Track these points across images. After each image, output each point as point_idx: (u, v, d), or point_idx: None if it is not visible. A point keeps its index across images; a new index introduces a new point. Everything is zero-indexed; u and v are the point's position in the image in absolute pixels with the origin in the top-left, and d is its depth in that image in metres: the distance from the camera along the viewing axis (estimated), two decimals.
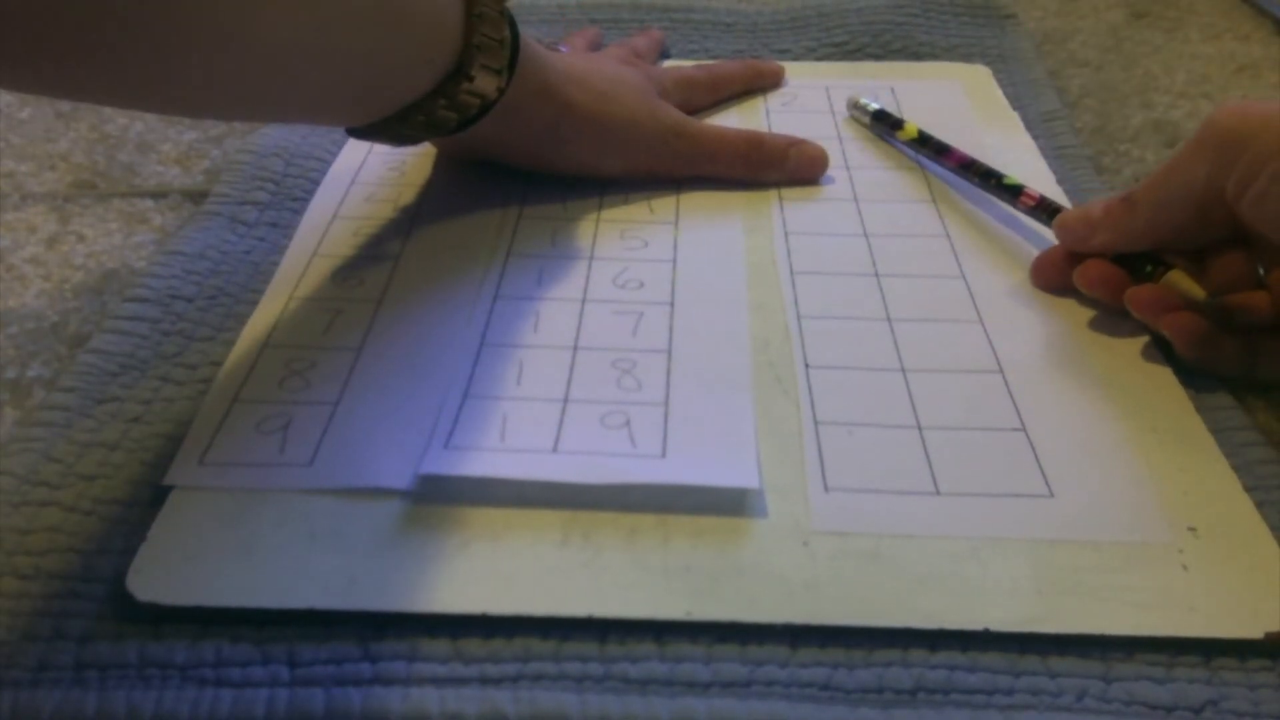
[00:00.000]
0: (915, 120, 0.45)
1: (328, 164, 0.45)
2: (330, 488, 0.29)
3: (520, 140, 0.41)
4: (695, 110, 0.48)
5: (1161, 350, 0.34)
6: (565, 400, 0.32)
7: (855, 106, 0.48)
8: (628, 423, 0.31)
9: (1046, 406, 0.32)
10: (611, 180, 0.44)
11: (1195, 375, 0.33)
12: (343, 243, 0.40)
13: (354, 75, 0.32)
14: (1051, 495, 0.29)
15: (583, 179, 0.44)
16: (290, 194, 0.43)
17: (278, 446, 0.30)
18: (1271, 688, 0.25)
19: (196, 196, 0.44)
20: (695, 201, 0.43)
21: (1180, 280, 0.33)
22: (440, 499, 0.29)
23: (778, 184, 0.43)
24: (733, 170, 0.43)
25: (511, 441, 0.31)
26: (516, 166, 0.43)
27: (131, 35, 0.25)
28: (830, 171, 0.45)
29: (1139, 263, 0.35)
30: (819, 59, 0.54)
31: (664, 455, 0.30)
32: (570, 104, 0.40)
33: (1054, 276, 0.37)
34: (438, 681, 0.25)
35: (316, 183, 0.44)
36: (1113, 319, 0.36)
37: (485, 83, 0.35)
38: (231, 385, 0.33)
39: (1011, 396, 0.33)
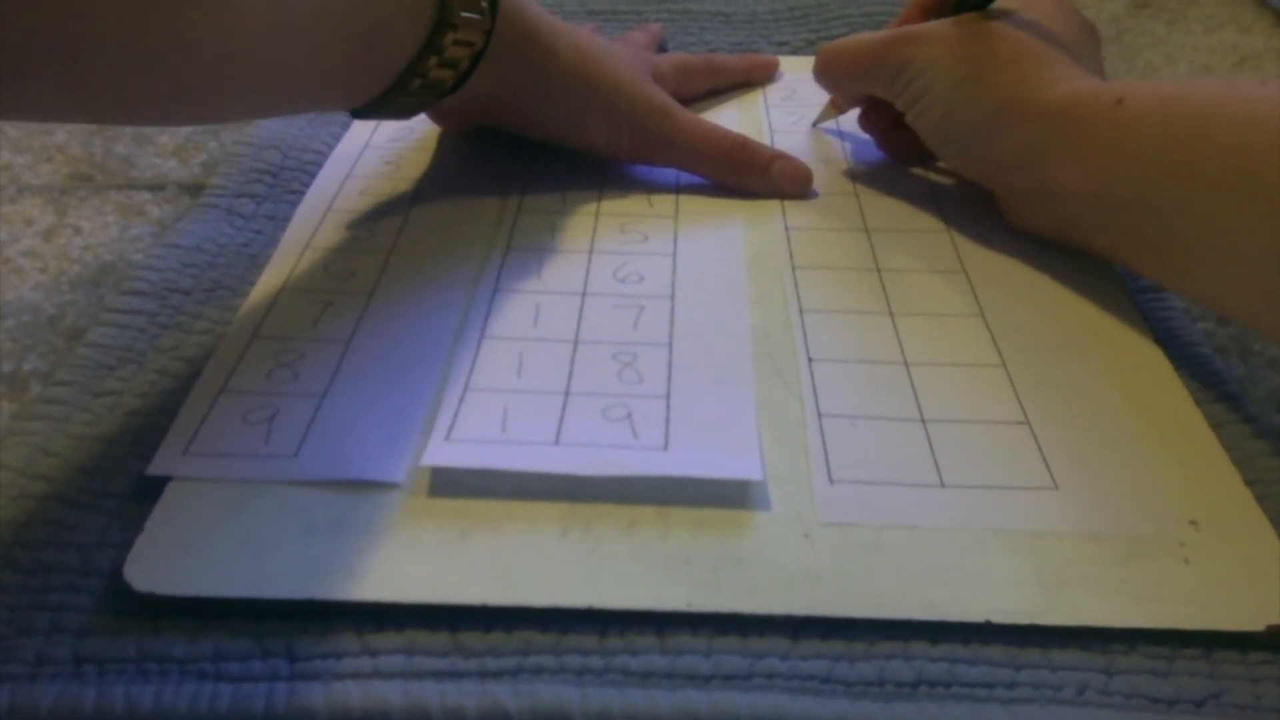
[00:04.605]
0: None
1: (325, 156, 0.45)
2: (315, 479, 0.29)
3: (510, 93, 0.40)
4: (692, 97, 0.48)
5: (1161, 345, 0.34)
6: (566, 393, 0.32)
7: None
8: (629, 415, 0.31)
9: (1049, 400, 0.32)
10: (600, 160, 0.43)
11: (1195, 370, 0.33)
12: (336, 236, 0.40)
13: (341, 45, 0.32)
14: (1056, 487, 0.29)
15: (580, 172, 0.43)
16: (287, 186, 0.43)
17: (263, 437, 0.30)
18: (1273, 680, 0.25)
19: (193, 189, 0.44)
20: (695, 195, 0.43)
21: None
22: (440, 490, 0.29)
23: (757, 192, 0.42)
24: (713, 167, 0.43)
25: (513, 433, 0.30)
26: (510, 128, 0.43)
27: (130, 32, 0.25)
28: (831, 166, 0.44)
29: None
30: None
31: (666, 448, 0.30)
32: (556, 53, 0.40)
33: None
34: (437, 675, 0.25)
35: (313, 175, 0.44)
36: (1113, 316, 0.36)
37: (470, 30, 0.35)
38: (218, 376, 0.33)
39: (1015, 390, 0.32)
